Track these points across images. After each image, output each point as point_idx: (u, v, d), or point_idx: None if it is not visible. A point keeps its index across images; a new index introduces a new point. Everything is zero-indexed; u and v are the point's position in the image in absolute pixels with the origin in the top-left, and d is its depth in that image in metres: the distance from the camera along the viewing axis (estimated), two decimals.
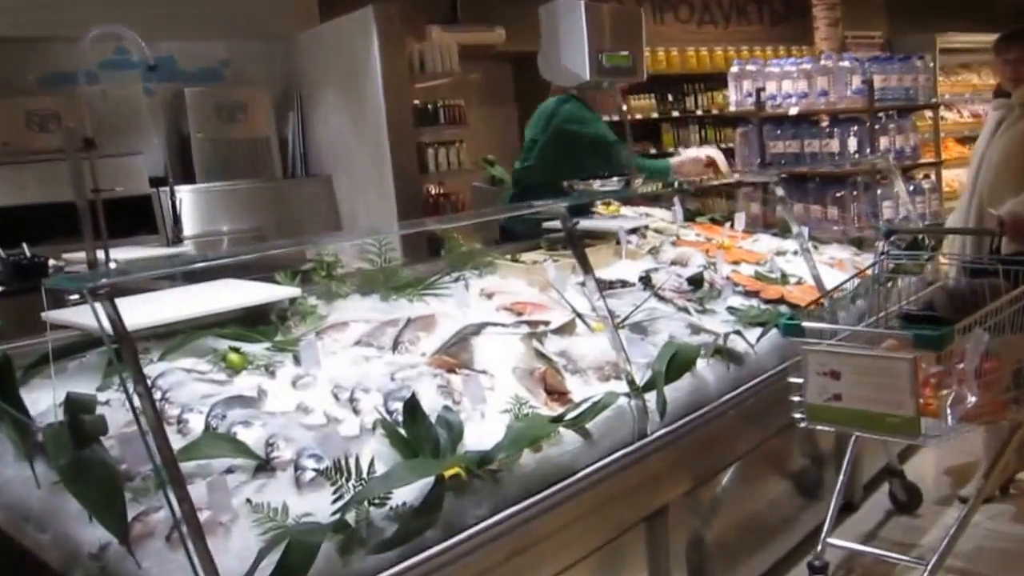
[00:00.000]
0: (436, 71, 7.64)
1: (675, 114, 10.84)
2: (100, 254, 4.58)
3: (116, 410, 2.09)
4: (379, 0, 6.91)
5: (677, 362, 2.65)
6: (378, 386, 2.26)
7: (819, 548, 3.06)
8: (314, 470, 1.89)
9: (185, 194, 6.84)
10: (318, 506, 1.82)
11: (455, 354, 2.54)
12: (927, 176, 6.97)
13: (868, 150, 6.28)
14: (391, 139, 6.95)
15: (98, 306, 1.70)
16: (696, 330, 3.07)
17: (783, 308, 3.50)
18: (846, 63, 6.31)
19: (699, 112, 10.90)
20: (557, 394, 2.47)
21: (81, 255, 4.64)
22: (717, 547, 2.86)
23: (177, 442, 1.94)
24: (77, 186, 4.47)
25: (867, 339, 2.78)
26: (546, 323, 2.90)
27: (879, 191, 6.31)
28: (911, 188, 6.48)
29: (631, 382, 2.49)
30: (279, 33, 8.03)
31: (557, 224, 4.19)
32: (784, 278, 3.90)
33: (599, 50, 4.16)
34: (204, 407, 2.14)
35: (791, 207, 3.81)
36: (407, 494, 1.88)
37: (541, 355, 2.60)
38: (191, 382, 2.26)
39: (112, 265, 4.54)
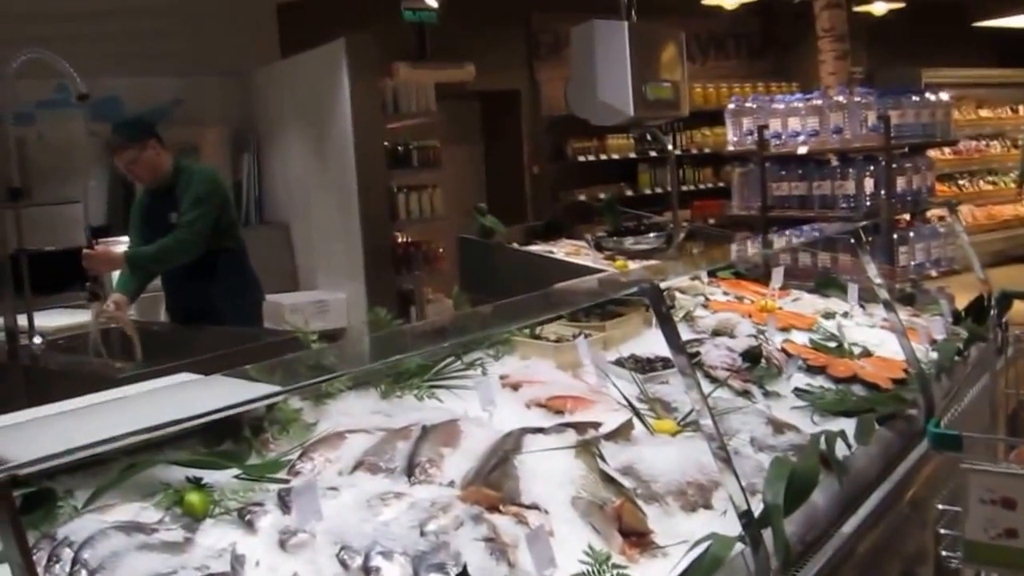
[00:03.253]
0: (411, 110, 7.04)
1: (652, 154, 10.33)
2: (23, 319, 3.93)
3: None
4: (350, 33, 6.32)
5: (795, 487, 2.00)
6: (404, 546, 1.60)
7: None
8: None
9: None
10: None
11: (496, 483, 1.89)
12: (942, 218, 6.47)
13: (883, 191, 5.77)
14: (360, 183, 6.35)
15: None
16: (778, 427, 2.45)
17: (856, 388, 2.91)
18: (860, 98, 5.79)
19: (677, 151, 10.39)
20: (636, 535, 1.83)
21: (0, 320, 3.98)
22: None
23: None
24: (2, 242, 3.84)
25: None
26: (596, 425, 2.27)
27: (895, 235, 5.79)
28: (926, 231, 5.98)
29: (744, 514, 1.85)
30: (236, 69, 7.41)
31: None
32: (841, 347, 3.31)
33: (644, 80, 3.49)
34: None
35: (868, 260, 3.21)
36: None
37: (607, 478, 1.96)
38: (132, 552, 1.58)
39: (36, 340, 3.87)
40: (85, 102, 4.09)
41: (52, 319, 4.37)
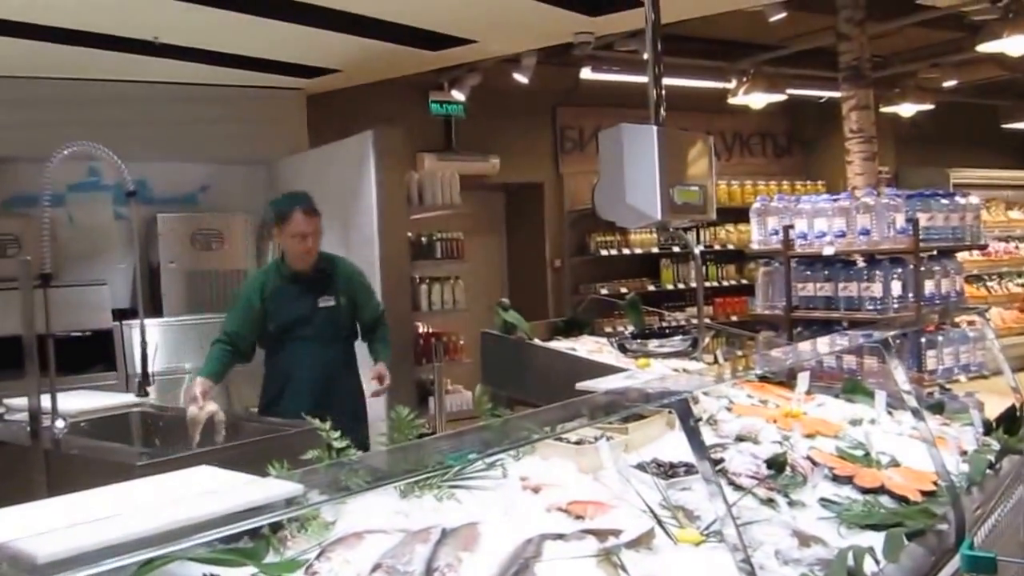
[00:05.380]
0: (435, 202, 7.08)
1: (676, 250, 10.35)
2: (47, 400, 3.91)
3: None
4: (378, 124, 6.41)
5: None
6: None
7: None
8: None
9: (151, 328, 6.18)
10: None
11: None
12: (972, 322, 6.42)
13: (911, 294, 5.73)
14: (384, 273, 6.36)
15: None
16: (804, 540, 2.39)
17: (884, 499, 2.85)
18: (888, 200, 5.79)
19: (701, 247, 10.41)
20: None
21: (23, 401, 4.00)
22: None
23: None
24: (27, 325, 3.85)
25: None
26: (617, 532, 2.22)
27: (923, 339, 5.74)
28: (956, 336, 5.92)
29: None
30: (264, 158, 7.51)
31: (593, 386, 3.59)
32: (868, 456, 3.25)
33: (672, 184, 3.48)
34: None
35: (896, 365, 3.16)
36: None
37: None
38: None
39: (59, 423, 3.86)
40: (133, 197, 4.19)
41: (75, 401, 4.36)
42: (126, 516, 1.80)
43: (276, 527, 2.14)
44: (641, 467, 2.83)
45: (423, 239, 7.12)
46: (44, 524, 1.71)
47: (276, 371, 4.78)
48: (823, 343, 3.71)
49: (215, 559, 1.98)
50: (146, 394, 4.54)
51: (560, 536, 2.13)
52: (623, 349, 3.70)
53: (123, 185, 4.17)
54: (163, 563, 1.93)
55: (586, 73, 8.77)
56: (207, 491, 2.03)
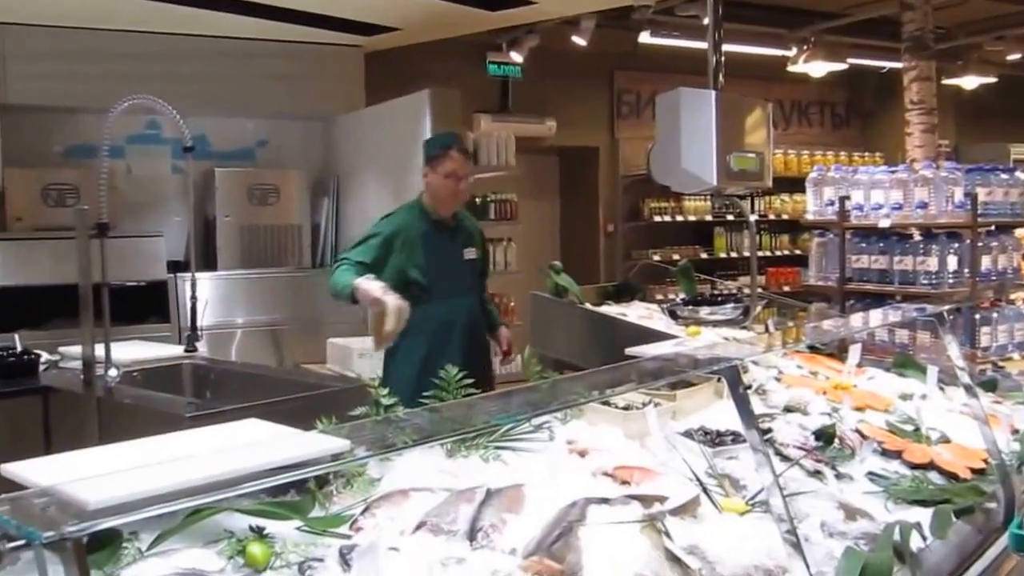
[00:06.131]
0: (491, 163, 7.07)
1: (729, 218, 10.26)
2: (100, 349, 3.99)
3: None
4: (435, 83, 6.40)
5: None
6: None
7: None
8: None
9: (204, 281, 6.27)
10: None
11: (559, 554, 1.85)
12: None
13: (967, 269, 5.63)
14: None
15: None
16: (850, 513, 2.37)
17: (933, 475, 2.82)
18: (947, 173, 5.68)
19: (755, 217, 10.31)
20: None
21: (78, 350, 4.06)
22: None
23: None
24: (84, 274, 3.91)
25: None
26: (662, 499, 2.21)
27: (977, 315, 5.65)
28: (1010, 313, 5.82)
29: None
30: (321, 114, 7.54)
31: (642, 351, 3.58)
32: (918, 431, 3.21)
33: (728, 150, 3.44)
34: None
35: (950, 340, 3.12)
36: None
37: (672, 556, 1.91)
38: None
39: (112, 372, 3.92)
40: (191, 152, 4.20)
41: (128, 351, 4.44)
42: (175, 465, 1.83)
43: (322, 482, 2.17)
44: (688, 435, 2.82)
45: (477, 200, 7.12)
46: (94, 471, 1.74)
47: (424, 325, 4.22)
48: (876, 316, 3.66)
49: (261, 511, 2.00)
50: (195, 348, 4.60)
51: (605, 500, 2.13)
52: (673, 315, 3.67)
53: (182, 139, 4.20)
54: (210, 513, 1.96)
55: (645, 37, 8.68)
56: (255, 443, 2.06)
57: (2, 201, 6.11)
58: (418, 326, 4.10)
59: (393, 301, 3.75)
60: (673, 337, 4.19)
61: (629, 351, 3.54)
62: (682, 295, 5.05)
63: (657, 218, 10.01)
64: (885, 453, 2.97)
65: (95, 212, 4.05)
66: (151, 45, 6.68)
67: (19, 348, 4.62)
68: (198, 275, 5.90)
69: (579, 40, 7.98)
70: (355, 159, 7.46)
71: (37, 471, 1.88)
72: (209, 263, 6.88)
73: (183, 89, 6.08)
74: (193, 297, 4.54)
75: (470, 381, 2.70)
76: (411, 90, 6.69)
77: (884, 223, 5.88)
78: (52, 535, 1.25)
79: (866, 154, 11.04)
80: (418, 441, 2.24)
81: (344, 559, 1.78)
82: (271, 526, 1.93)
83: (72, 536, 1.24)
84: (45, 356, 4.65)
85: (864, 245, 6.02)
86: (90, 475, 1.67)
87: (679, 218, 10.13)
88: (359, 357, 6.29)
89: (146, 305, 6.11)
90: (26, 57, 6.01)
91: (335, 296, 4.11)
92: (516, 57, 8.62)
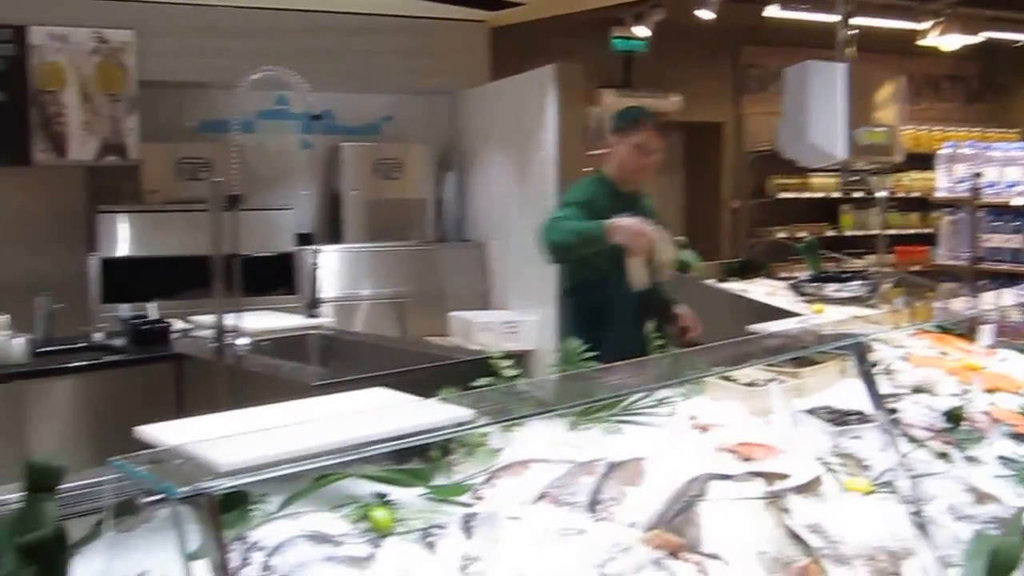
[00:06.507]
0: None
1: (857, 195, 10.00)
2: (230, 319, 4.12)
3: None
4: (559, 58, 6.39)
5: (997, 566, 1.88)
6: None
7: None
8: None
9: (330, 254, 6.43)
10: None
11: (679, 528, 1.85)
12: None
13: None
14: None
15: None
16: (979, 496, 2.30)
17: None
18: None
19: (883, 194, 10.01)
20: None
21: (208, 319, 4.26)
22: None
23: None
24: (216, 245, 4.06)
25: None
26: (783, 477, 2.18)
27: None
28: None
29: None
30: (445, 89, 7.61)
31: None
32: None
33: (857, 124, 3.35)
34: None
35: None
36: None
37: (794, 534, 1.89)
38: (319, 562, 1.62)
39: (242, 341, 4.05)
40: (318, 120, 4.27)
41: (257, 321, 4.57)
42: (304, 430, 1.89)
43: (444, 451, 2.20)
44: (812, 413, 2.78)
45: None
46: (226, 434, 1.80)
47: (607, 303, 4.11)
48: (1009, 295, 3.55)
49: (385, 478, 2.04)
50: (316, 317, 4.72)
51: (726, 476, 2.12)
52: (799, 291, 3.60)
53: (310, 111, 4.28)
54: (336, 478, 2.00)
55: (773, 11, 8.48)
56: (381, 410, 2.10)
57: (139, 174, 6.33)
58: (601, 305, 4.06)
59: (659, 231, 3.70)
60: (797, 315, 4.12)
61: (751, 328, 3.49)
62: (808, 273, 4.96)
63: (782, 195, 9.82)
64: (1017, 436, 2.87)
65: (228, 185, 4.17)
66: (281, 21, 6.83)
67: (154, 316, 4.80)
68: (325, 248, 6.09)
69: (705, 14, 7.86)
70: (479, 134, 7.52)
71: (171, 433, 1.96)
72: (335, 236, 7.03)
73: (311, 65, 6.16)
74: (314, 265, 4.65)
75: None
76: (535, 65, 6.70)
77: (1018, 201, 5.68)
78: (188, 490, 1.30)
79: (1000, 130, 10.61)
80: (540, 412, 2.27)
81: (466, 526, 1.80)
82: (394, 493, 1.97)
83: (207, 492, 1.29)
84: (178, 324, 4.84)
85: (997, 223, 5.83)
86: (223, 437, 1.74)
87: (805, 195, 9.92)
88: (481, 330, 6.37)
89: (274, 276, 6.28)
90: (163, 34, 6.21)
91: (570, 248, 3.97)
92: (641, 32, 8.54)
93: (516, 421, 2.35)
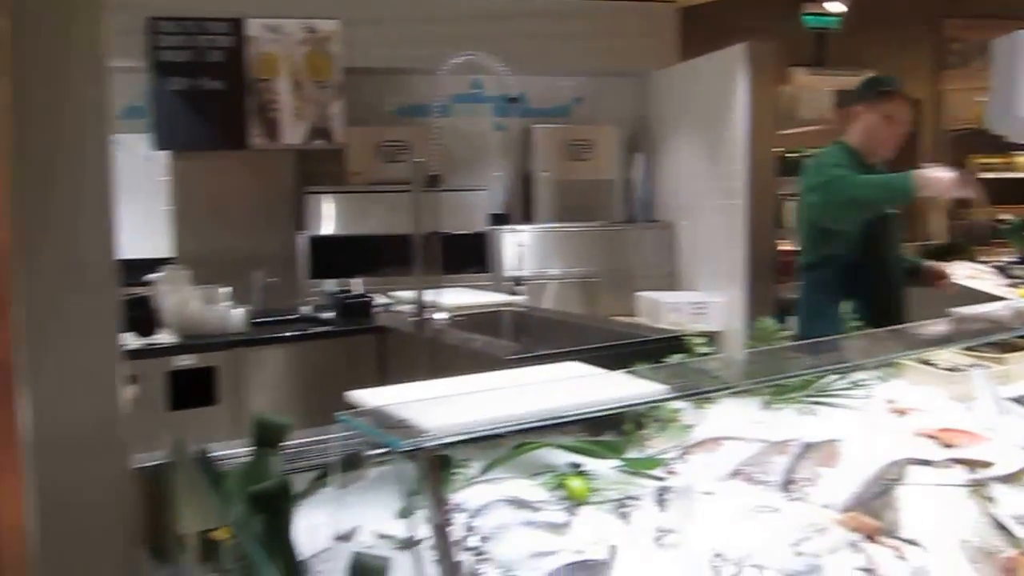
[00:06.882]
0: (806, 118, 6.91)
1: None
2: (429, 294, 4.31)
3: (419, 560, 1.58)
4: (749, 36, 6.31)
5: None
6: (777, 562, 1.61)
7: None
8: None
9: (520, 234, 6.57)
10: None
11: (876, 512, 1.85)
12: None
13: None
14: (750, 189, 6.32)
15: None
16: None
17: None
18: None
19: None
20: None
21: (408, 294, 4.51)
22: None
23: None
24: (420, 221, 4.24)
25: None
26: (986, 465, 2.14)
27: None
28: None
29: None
30: (634, 70, 7.63)
31: None
32: None
33: None
34: (532, 574, 1.59)
35: None
36: None
37: (999, 525, 1.86)
38: (517, 526, 1.71)
39: (440, 315, 4.22)
40: (516, 103, 4.39)
41: (454, 297, 4.73)
42: (506, 398, 1.97)
43: (638, 426, 2.25)
44: (1018, 401, 2.69)
45: (790, 156, 6.97)
46: (432, 399, 1.90)
47: (862, 281, 3.94)
48: None
49: (581, 448, 2.11)
50: (517, 294, 4.86)
51: (927, 462, 2.09)
52: (1005, 274, 3.46)
53: (507, 92, 4.40)
54: (534, 447, 2.08)
55: None
56: (579, 381, 2.16)
57: (343, 157, 6.63)
58: (856, 275, 3.94)
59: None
60: (1001, 299, 3.97)
61: (953, 311, 3.39)
62: (1014, 255, 4.76)
63: (985, 174, 9.37)
64: None
65: (428, 166, 4.34)
66: (476, 7, 6.98)
67: (356, 292, 5.06)
68: (517, 228, 6.23)
69: None
70: (668, 115, 7.50)
71: (379, 398, 2.08)
72: (526, 216, 7.17)
73: (506, 49, 6.30)
74: (520, 246, 4.77)
75: None
76: (725, 45, 6.63)
77: None
78: (411, 444, 1.40)
79: None
80: (732, 388, 2.29)
81: (660, 499, 1.85)
82: (589, 464, 2.03)
83: (428, 446, 1.39)
84: (379, 299, 5.08)
85: None
86: (432, 400, 1.84)
87: (1008, 175, 9.43)
88: (669, 311, 6.38)
89: (468, 255, 6.46)
90: (367, 23, 6.45)
91: (871, 202, 3.91)
92: (834, 7, 8.31)
93: (708, 399, 2.38)
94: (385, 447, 1.57)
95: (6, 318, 1.63)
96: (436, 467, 1.43)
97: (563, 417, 1.69)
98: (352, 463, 1.79)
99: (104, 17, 1.66)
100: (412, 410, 1.72)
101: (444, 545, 1.42)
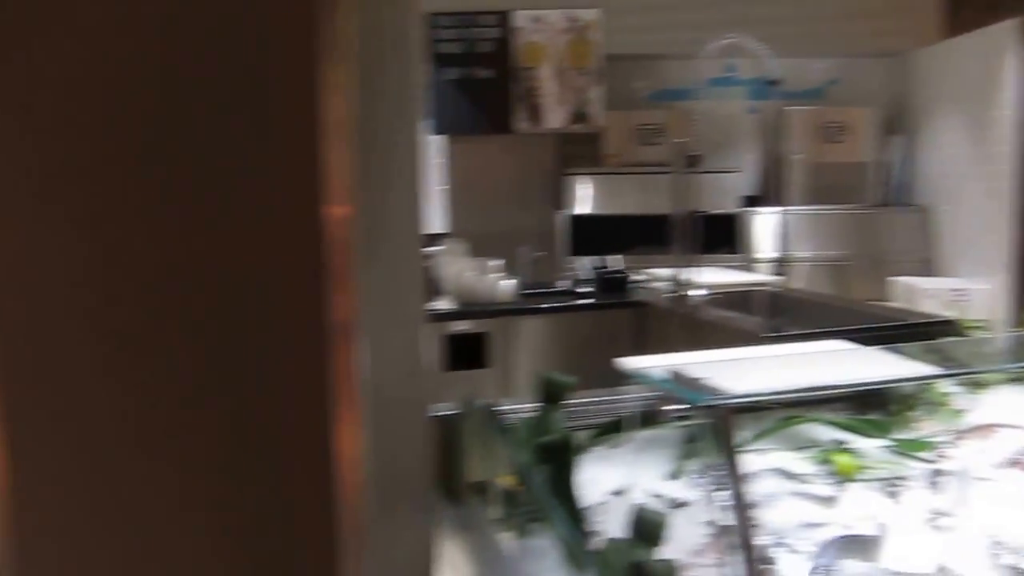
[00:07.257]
0: None
1: None
2: (685, 272, 4.49)
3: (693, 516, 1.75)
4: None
5: None
6: None
7: None
8: None
9: (771, 216, 6.65)
10: None
11: None
12: None
13: None
14: (1019, 173, 6.13)
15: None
16: None
17: None
18: None
19: None
20: None
21: (663, 271, 4.80)
22: None
23: None
24: (677, 201, 4.43)
25: None
26: None
27: None
28: None
29: None
30: (893, 50, 7.48)
31: None
32: None
33: None
34: (803, 543, 1.70)
35: None
36: None
37: None
38: (786, 497, 1.84)
39: (697, 292, 4.41)
40: (777, 87, 4.50)
41: (708, 275, 4.87)
42: (781, 368, 2.10)
43: (906, 407, 2.32)
44: None
45: None
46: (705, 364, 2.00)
47: None
48: None
49: (849, 425, 2.18)
50: (780, 274, 4.97)
51: None
52: None
53: (767, 74, 4.50)
54: (801, 421, 2.17)
55: None
56: (850, 353, 2.24)
57: (601, 140, 6.89)
58: None
59: None
60: None
61: None
62: None
63: None
64: None
65: (688, 146, 4.51)
66: None
67: (615, 268, 5.33)
68: (769, 210, 6.32)
69: None
70: (930, 95, 7.30)
71: (650, 365, 2.14)
72: (778, 198, 7.19)
73: (759, 32, 6.39)
74: (783, 228, 4.87)
75: None
76: (994, 21, 6.42)
77: None
78: (711, 399, 1.59)
79: None
80: (1009, 369, 2.32)
81: (932, 481, 1.91)
82: (855, 441, 2.09)
83: (730, 404, 1.58)
84: (633, 276, 5.33)
85: None
86: (710, 363, 1.98)
87: None
88: (926, 297, 6.28)
89: (719, 235, 6.58)
90: (625, 11, 6.67)
91: None
92: None
93: (980, 384, 2.42)
94: (687, 403, 1.75)
95: (352, 285, 1.93)
96: (732, 423, 1.61)
97: (854, 387, 1.80)
98: (650, 418, 1.99)
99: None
100: (699, 371, 1.87)
101: (739, 500, 1.58)
